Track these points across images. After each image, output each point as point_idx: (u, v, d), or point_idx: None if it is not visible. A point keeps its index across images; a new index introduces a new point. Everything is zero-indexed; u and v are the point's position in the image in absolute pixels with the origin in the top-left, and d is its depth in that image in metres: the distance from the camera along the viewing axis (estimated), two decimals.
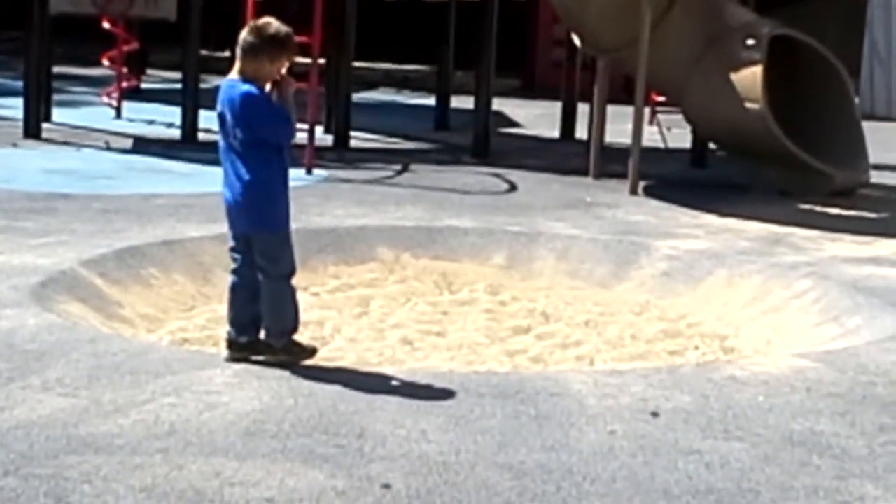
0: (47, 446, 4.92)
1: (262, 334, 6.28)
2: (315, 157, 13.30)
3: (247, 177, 6.16)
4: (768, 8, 18.62)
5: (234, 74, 6.21)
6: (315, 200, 11.31)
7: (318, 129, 14.55)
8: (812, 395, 6.06)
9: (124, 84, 19.07)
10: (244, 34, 6.18)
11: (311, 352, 6.36)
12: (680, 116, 15.02)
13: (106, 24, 18.60)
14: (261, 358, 6.21)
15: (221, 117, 6.19)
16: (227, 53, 26.10)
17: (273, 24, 6.21)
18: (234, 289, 6.35)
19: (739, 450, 5.24)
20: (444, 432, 5.27)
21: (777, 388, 6.13)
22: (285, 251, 6.29)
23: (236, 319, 6.32)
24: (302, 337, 7.64)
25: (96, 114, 18.25)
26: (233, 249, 6.36)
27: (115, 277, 8.24)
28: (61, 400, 5.50)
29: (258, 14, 13.06)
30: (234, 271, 6.35)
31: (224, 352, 6.35)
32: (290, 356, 6.21)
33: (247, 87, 6.11)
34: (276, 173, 6.24)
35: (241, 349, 6.27)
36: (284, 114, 6.17)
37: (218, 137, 6.28)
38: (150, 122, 17.71)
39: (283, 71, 6.26)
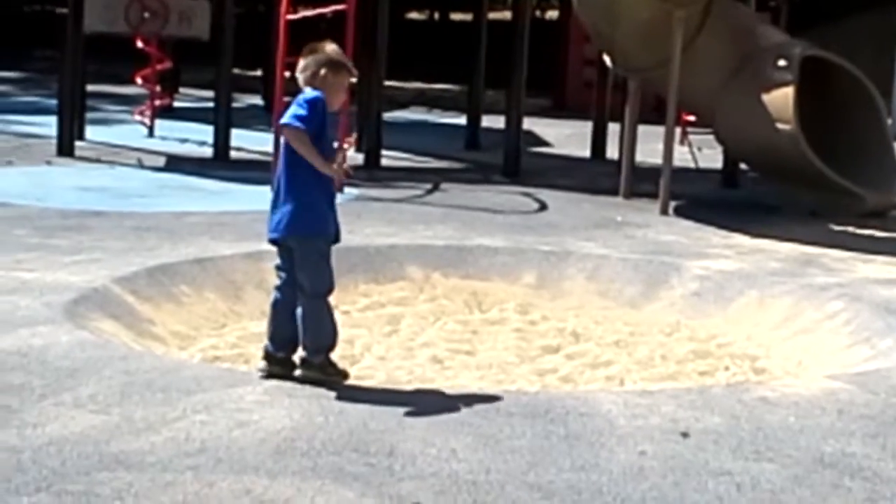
0: (79, 463, 4.94)
1: (299, 352, 6.29)
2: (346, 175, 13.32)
3: (289, 182, 6.21)
4: (799, 28, 18.59)
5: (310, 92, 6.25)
6: (346, 219, 11.21)
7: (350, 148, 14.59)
8: (843, 416, 6.03)
9: (157, 102, 19.20)
10: (301, 61, 6.30)
11: (344, 375, 6.36)
12: (711, 136, 15.01)
13: (139, 43, 18.73)
14: (296, 373, 6.23)
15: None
16: (258, 72, 26.25)
17: (328, 45, 6.39)
18: (276, 305, 6.38)
19: (770, 471, 5.22)
20: (473, 451, 5.27)
21: (808, 409, 6.10)
22: (322, 266, 6.28)
23: (276, 335, 6.35)
24: (333, 355, 7.68)
25: (129, 132, 18.37)
26: (278, 267, 6.38)
27: (147, 295, 8.28)
28: (93, 417, 5.53)
29: (290, 33, 13.15)
30: (278, 288, 6.38)
31: (260, 363, 6.36)
32: (324, 375, 6.22)
33: (310, 91, 6.19)
34: (316, 183, 6.23)
35: (278, 363, 6.30)
36: (308, 117, 6.10)
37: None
38: (183, 141, 17.82)
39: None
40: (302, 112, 6.10)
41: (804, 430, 5.79)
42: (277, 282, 6.39)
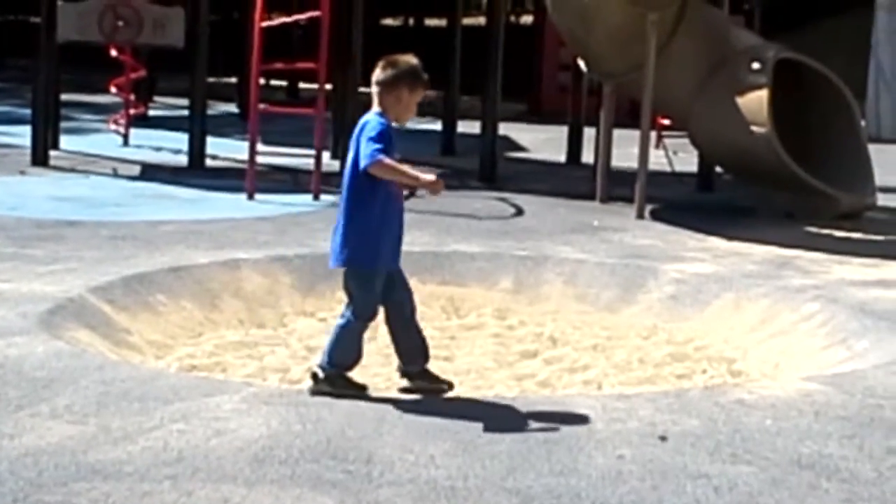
0: (56, 474, 4.92)
1: (321, 360, 6.28)
2: (322, 182, 13.33)
3: (348, 209, 6.27)
4: (774, 31, 18.65)
5: (374, 109, 6.28)
6: (322, 226, 11.31)
7: (325, 155, 14.58)
8: (820, 418, 6.05)
9: (132, 111, 19.17)
10: (379, 70, 6.28)
11: (364, 387, 6.37)
12: (686, 140, 15.06)
13: (113, 52, 18.69)
14: (307, 386, 6.26)
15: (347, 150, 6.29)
16: (233, 80, 26.21)
17: (406, 57, 6.38)
18: (388, 325, 6.49)
19: (748, 473, 5.23)
20: (451, 457, 5.26)
21: (785, 411, 6.12)
22: (370, 293, 6.32)
23: (403, 351, 6.50)
24: (309, 363, 7.68)
25: (104, 141, 18.34)
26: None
27: (123, 304, 8.26)
28: (70, 427, 5.50)
29: (264, 41, 13.14)
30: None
31: (401, 383, 6.53)
32: (332, 387, 6.19)
33: (376, 116, 6.19)
34: (377, 212, 6.28)
35: (419, 377, 6.48)
36: (384, 148, 6.11)
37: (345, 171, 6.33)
38: (158, 149, 17.79)
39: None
40: (377, 145, 6.06)
41: (781, 431, 5.81)
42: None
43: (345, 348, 6.26)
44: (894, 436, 5.83)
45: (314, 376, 6.25)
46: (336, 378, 6.22)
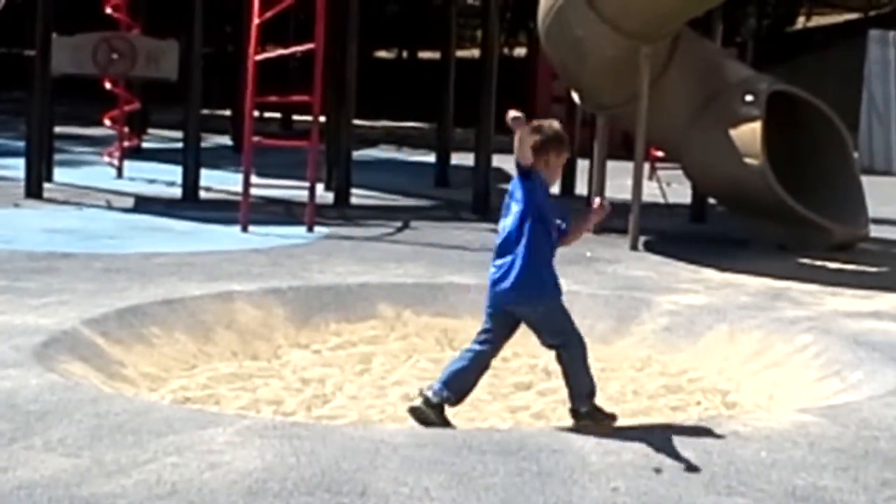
0: None
1: (574, 405, 6.63)
2: (316, 214, 13.34)
3: (520, 253, 6.57)
4: (766, 64, 18.71)
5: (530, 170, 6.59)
6: (316, 258, 11.34)
7: (319, 187, 14.60)
8: (814, 450, 6.05)
9: (125, 143, 19.19)
10: (523, 136, 6.51)
11: (613, 417, 6.62)
12: (679, 172, 15.08)
13: (107, 85, 18.72)
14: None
15: (509, 205, 6.64)
16: (227, 112, 26.26)
17: (553, 123, 6.73)
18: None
19: None
20: (446, 490, 5.25)
21: (779, 443, 6.12)
22: (566, 317, 6.75)
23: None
24: (303, 395, 7.67)
25: (97, 173, 18.35)
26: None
27: (117, 337, 8.24)
28: (64, 460, 5.49)
29: (259, 73, 13.18)
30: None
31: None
32: (593, 420, 6.50)
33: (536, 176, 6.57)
34: (543, 249, 6.69)
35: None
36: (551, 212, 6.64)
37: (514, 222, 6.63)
38: (152, 182, 17.80)
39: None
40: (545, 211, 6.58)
41: (776, 463, 5.80)
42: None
43: (582, 380, 6.62)
44: (889, 468, 5.83)
45: (575, 414, 6.59)
46: (592, 411, 6.56)
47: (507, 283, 6.60)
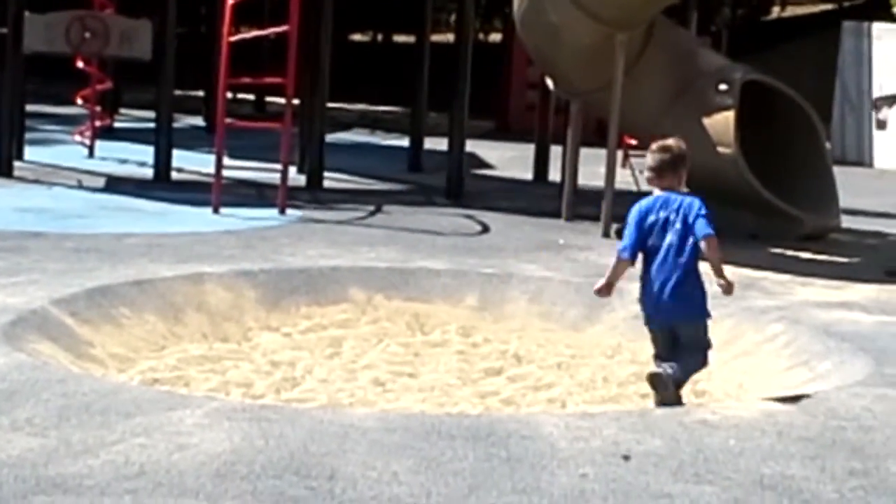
0: (16, 487, 4.88)
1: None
2: (288, 197, 13.31)
3: (688, 273, 6.96)
4: (741, 53, 18.75)
5: (659, 191, 7.08)
6: (288, 241, 11.31)
7: (292, 170, 14.56)
8: (783, 439, 6.06)
9: (97, 123, 19.07)
10: (660, 155, 7.08)
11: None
12: None
13: (80, 63, 18.62)
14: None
15: (666, 223, 6.98)
16: (200, 93, 26.15)
17: (676, 141, 7.19)
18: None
19: (710, 493, 5.24)
20: (414, 474, 5.25)
21: (748, 431, 6.13)
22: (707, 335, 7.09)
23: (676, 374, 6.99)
24: (273, 378, 7.66)
25: (69, 152, 18.24)
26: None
27: (86, 317, 8.21)
28: (31, 440, 5.46)
29: (232, 54, 13.12)
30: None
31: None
32: (665, 392, 6.88)
33: (693, 198, 7.03)
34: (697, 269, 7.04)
35: (663, 387, 6.92)
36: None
37: (658, 242, 6.98)
38: (123, 162, 17.71)
39: None
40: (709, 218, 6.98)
41: (744, 452, 5.82)
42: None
43: (687, 374, 7.04)
44: (856, 457, 5.85)
45: (658, 379, 6.91)
46: (673, 392, 6.92)
47: (676, 302, 6.96)
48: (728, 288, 6.99)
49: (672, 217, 6.95)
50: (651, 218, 6.98)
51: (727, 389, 8.00)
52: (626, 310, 9.47)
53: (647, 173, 7.14)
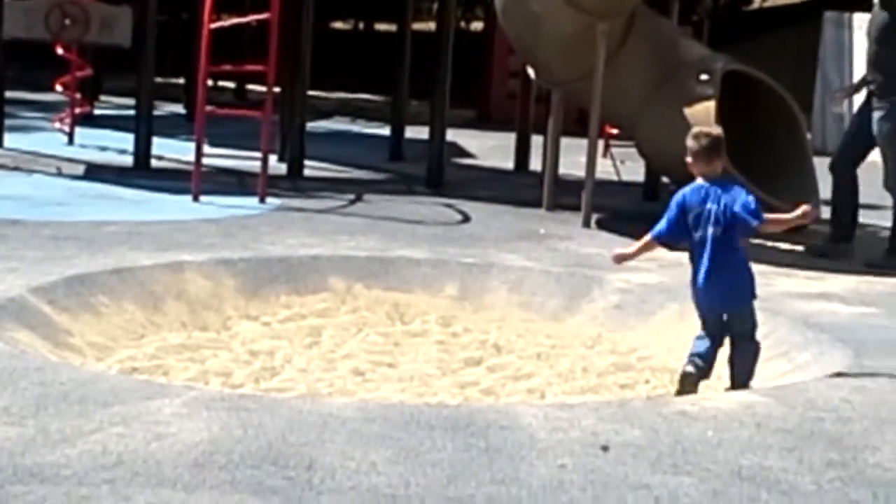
0: None
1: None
2: (268, 185, 13.28)
3: (727, 257, 7.10)
4: (722, 44, 18.75)
5: (702, 179, 7.17)
6: (268, 229, 11.29)
7: (272, 158, 14.53)
8: (761, 430, 6.08)
9: (77, 110, 18.99)
10: (700, 140, 7.16)
11: None
12: (633, 150, 15.10)
13: (59, 50, 18.53)
14: None
15: (710, 211, 7.07)
16: (181, 80, 26.07)
17: (713, 128, 7.45)
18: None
19: (688, 484, 5.25)
20: (393, 465, 5.25)
21: (726, 422, 6.14)
22: (754, 317, 7.28)
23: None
24: (252, 367, 7.65)
25: (48, 139, 18.16)
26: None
27: (65, 305, 8.18)
28: (8, 429, 5.44)
29: (213, 42, 13.07)
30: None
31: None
32: None
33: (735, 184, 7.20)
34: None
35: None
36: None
37: (701, 232, 7.13)
38: (103, 149, 17.63)
39: None
40: (756, 205, 7.04)
41: (722, 443, 5.83)
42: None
43: (752, 369, 7.26)
44: (834, 449, 5.87)
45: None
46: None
47: (723, 290, 7.14)
48: (804, 216, 7.24)
49: (717, 206, 7.06)
50: (695, 205, 7.13)
51: (706, 381, 8.00)
52: (607, 300, 9.50)
53: (688, 159, 7.21)
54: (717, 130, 7.26)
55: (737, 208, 6.98)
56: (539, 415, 6.10)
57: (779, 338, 8.35)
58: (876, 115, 11.53)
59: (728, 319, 7.23)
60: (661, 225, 7.29)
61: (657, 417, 6.16)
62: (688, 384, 7.10)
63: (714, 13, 34.86)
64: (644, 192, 15.70)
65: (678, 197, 7.24)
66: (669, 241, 7.39)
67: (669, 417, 6.17)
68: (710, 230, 7.05)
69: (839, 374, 7.28)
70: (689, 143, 7.17)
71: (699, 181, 7.18)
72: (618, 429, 5.93)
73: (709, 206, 7.06)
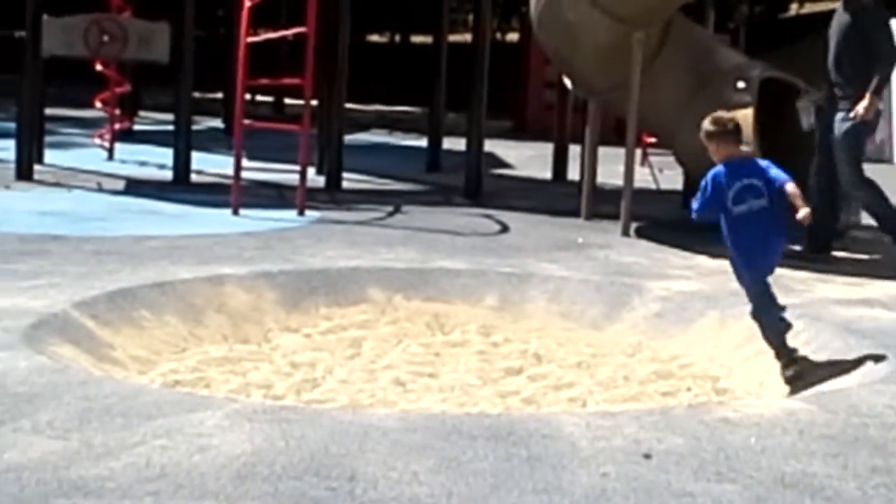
0: (38, 490, 4.90)
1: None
2: (307, 198, 13.32)
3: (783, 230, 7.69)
4: (758, 51, 18.69)
5: (722, 159, 7.68)
6: (307, 242, 11.32)
7: (311, 171, 14.58)
8: (804, 436, 6.05)
9: (116, 126, 19.13)
10: (728, 124, 7.75)
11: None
12: (671, 158, 15.07)
13: (98, 67, 18.66)
14: None
15: (748, 189, 7.56)
16: (219, 95, 26.20)
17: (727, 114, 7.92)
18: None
19: (732, 492, 5.22)
20: (435, 475, 5.25)
21: (769, 429, 6.12)
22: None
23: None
24: (293, 379, 7.67)
25: (88, 155, 18.30)
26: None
27: (107, 319, 8.23)
28: (52, 443, 5.48)
29: (250, 56, 13.13)
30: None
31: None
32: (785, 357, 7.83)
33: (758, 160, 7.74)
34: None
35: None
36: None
37: (744, 208, 7.59)
38: (143, 164, 17.76)
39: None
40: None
41: (765, 450, 5.80)
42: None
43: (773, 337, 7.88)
44: (878, 455, 5.83)
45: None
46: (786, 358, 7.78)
47: (775, 256, 7.81)
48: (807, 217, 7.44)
49: (753, 180, 7.53)
50: (733, 184, 7.54)
51: (748, 387, 7.98)
52: (647, 308, 9.47)
53: (713, 144, 7.67)
54: (731, 115, 7.86)
55: (772, 174, 7.51)
56: (581, 423, 6.09)
57: (820, 344, 8.31)
58: (839, 115, 11.58)
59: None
60: (699, 204, 7.71)
61: (699, 425, 6.14)
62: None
63: (750, 20, 34.77)
64: (682, 201, 15.66)
65: (710, 177, 7.61)
66: (705, 218, 7.78)
67: (712, 425, 6.15)
68: (757, 201, 7.51)
69: (882, 380, 7.23)
70: (715, 127, 7.69)
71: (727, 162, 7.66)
72: (660, 437, 5.91)
73: (749, 181, 7.54)
